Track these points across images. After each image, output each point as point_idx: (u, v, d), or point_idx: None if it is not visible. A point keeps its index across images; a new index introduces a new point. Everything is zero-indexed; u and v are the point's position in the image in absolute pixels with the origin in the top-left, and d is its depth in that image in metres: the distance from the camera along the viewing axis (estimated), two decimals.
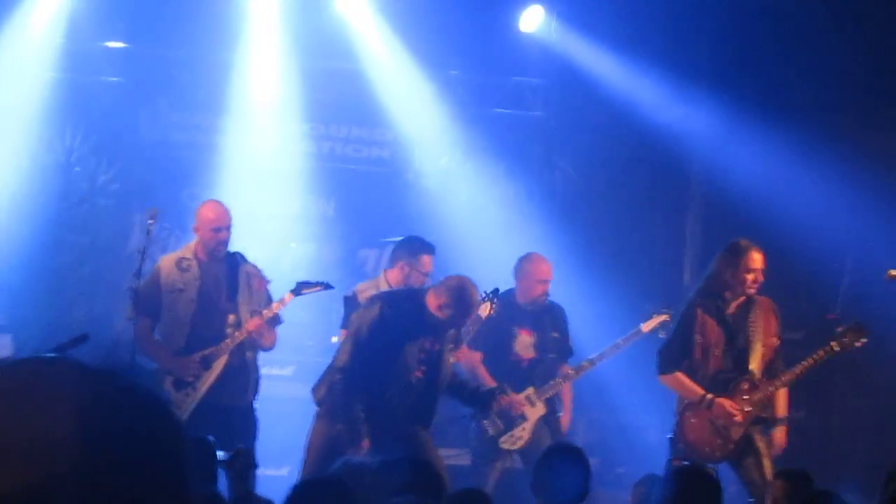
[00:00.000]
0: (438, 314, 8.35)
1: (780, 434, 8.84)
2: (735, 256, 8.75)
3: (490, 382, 9.43)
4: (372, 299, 8.74)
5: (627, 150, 12.94)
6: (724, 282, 8.76)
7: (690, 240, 12.98)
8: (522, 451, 9.53)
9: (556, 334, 9.77)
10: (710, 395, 8.69)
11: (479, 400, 8.80)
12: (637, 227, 13.00)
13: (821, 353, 8.67)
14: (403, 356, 8.44)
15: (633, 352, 9.85)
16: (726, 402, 8.68)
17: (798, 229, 11.63)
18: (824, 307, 10.54)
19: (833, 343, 8.69)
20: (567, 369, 9.72)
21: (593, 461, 10.11)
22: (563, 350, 9.82)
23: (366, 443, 8.32)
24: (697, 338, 8.75)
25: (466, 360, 9.66)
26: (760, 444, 8.73)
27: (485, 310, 9.37)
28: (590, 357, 9.70)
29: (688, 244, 12.98)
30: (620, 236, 12.91)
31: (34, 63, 12.07)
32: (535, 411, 9.63)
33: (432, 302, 8.39)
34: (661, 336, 9.55)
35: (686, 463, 5.52)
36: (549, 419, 9.70)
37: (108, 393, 1.30)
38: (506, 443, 9.57)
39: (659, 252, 13.03)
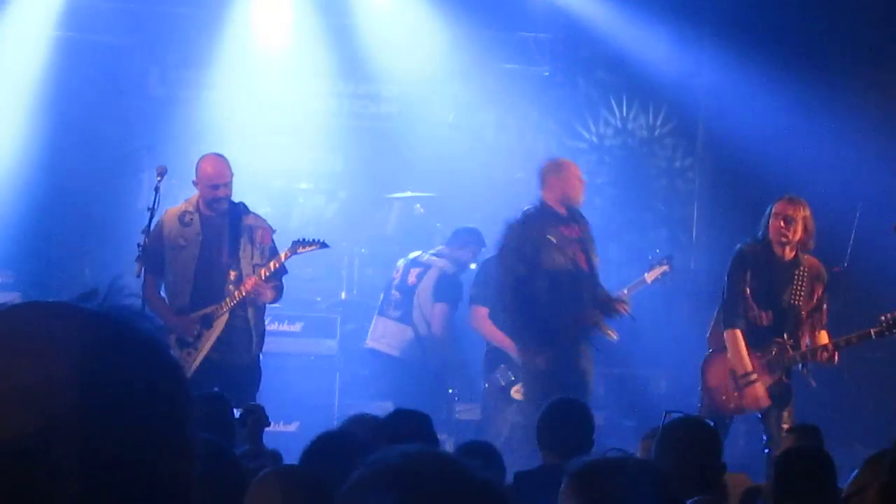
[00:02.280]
0: (557, 193, 8.82)
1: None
2: (772, 205, 8.66)
3: (499, 337, 9.46)
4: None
5: (633, 105, 12.91)
6: (767, 233, 8.66)
7: (699, 194, 12.96)
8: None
9: None
10: (753, 376, 8.57)
11: (607, 306, 9.00)
12: (644, 181, 12.98)
13: (854, 336, 8.56)
14: (561, 257, 8.67)
15: (639, 305, 9.85)
16: (759, 393, 8.59)
17: (806, 181, 11.58)
18: (832, 260, 10.51)
19: (872, 330, 8.53)
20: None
21: (600, 415, 10.20)
22: None
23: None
24: (746, 289, 8.66)
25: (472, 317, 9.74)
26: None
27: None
28: None
29: (696, 198, 12.96)
30: (628, 191, 12.89)
31: (39, 22, 12.03)
32: None
33: (548, 195, 8.85)
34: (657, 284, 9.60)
35: (679, 413, 5.47)
36: None
37: (107, 336, 1.30)
38: (517, 392, 9.63)
39: (666, 206, 13.01)
